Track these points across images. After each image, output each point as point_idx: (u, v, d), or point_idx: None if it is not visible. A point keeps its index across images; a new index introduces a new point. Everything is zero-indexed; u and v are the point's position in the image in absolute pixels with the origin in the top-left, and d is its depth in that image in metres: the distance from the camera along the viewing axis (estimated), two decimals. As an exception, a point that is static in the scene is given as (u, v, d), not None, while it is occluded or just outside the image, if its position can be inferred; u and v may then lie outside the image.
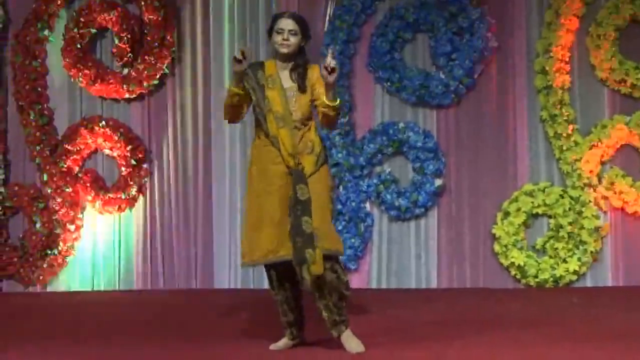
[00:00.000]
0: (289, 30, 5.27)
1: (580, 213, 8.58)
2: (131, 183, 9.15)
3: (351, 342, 5.21)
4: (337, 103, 5.21)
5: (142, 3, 9.13)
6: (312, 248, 5.09)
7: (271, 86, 5.30)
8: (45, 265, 9.17)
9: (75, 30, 9.18)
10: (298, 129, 5.27)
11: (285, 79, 5.34)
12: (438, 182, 8.75)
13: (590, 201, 8.60)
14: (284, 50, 5.29)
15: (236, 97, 5.28)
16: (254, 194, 5.32)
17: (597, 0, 8.73)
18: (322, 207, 5.23)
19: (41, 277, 9.21)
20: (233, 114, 5.39)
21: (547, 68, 8.68)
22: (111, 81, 9.16)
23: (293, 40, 5.28)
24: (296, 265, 5.14)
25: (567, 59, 8.69)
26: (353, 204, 8.77)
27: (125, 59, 9.15)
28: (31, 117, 9.27)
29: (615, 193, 8.58)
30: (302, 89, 5.30)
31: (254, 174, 5.35)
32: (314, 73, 5.32)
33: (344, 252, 5.43)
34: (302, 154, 5.25)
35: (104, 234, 9.29)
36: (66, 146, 9.21)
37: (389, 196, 8.75)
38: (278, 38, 5.29)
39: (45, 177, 9.23)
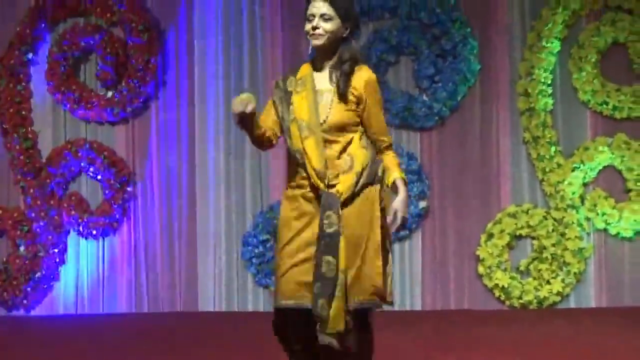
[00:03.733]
0: (321, 15, 3.99)
1: (563, 234, 8.61)
2: (115, 206, 9.14)
3: None
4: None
5: (127, 26, 9.14)
6: (325, 297, 3.85)
7: (299, 90, 4.07)
8: (28, 289, 9.14)
9: (59, 53, 9.19)
10: (331, 140, 4.00)
11: (322, 79, 4.08)
12: (422, 204, 8.78)
13: (573, 222, 8.63)
14: (315, 41, 4.01)
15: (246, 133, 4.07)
16: (280, 224, 4.10)
17: (578, 23, 8.79)
18: (359, 242, 3.95)
19: (25, 301, 9.17)
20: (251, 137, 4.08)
21: (529, 90, 8.72)
22: (95, 104, 9.16)
23: (327, 27, 3.98)
24: (314, 317, 3.89)
25: (549, 82, 8.74)
26: (337, 226, 8.76)
27: (109, 82, 9.16)
28: (15, 141, 9.26)
29: (598, 214, 8.61)
30: (341, 93, 4.01)
31: (282, 201, 4.14)
32: (362, 79, 4.04)
33: (389, 301, 4.04)
34: (337, 175, 3.96)
35: (88, 257, 9.26)
36: (50, 169, 9.20)
37: (373, 218, 8.75)
38: (307, 27, 4.02)
39: (29, 200, 9.20)
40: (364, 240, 3.96)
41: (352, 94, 4.03)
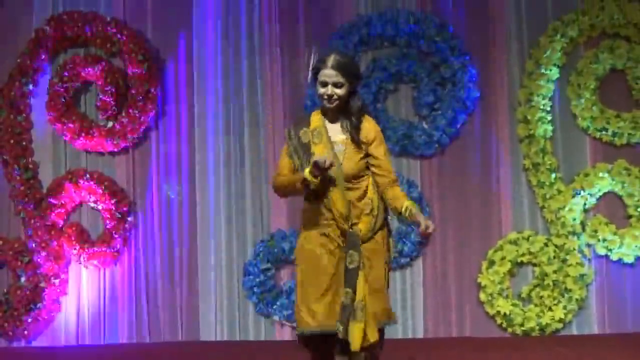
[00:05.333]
0: (333, 84, 4.65)
1: (564, 261, 8.61)
2: (116, 236, 9.13)
3: None
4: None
5: (126, 57, 9.17)
6: (343, 322, 4.61)
7: (317, 141, 4.73)
8: (30, 320, 9.12)
9: (60, 84, 9.21)
10: (351, 188, 4.69)
11: (335, 130, 4.75)
12: (423, 231, 8.75)
13: (574, 249, 8.63)
14: (330, 105, 4.69)
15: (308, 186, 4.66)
16: (304, 260, 4.76)
17: (576, 51, 8.83)
18: (375, 277, 4.72)
19: (26, 332, 9.15)
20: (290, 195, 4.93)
21: (529, 117, 8.74)
22: (95, 134, 9.18)
23: (339, 92, 4.65)
24: (343, 337, 4.65)
25: (549, 108, 8.76)
26: (338, 254, 8.76)
27: (110, 112, 9.17)
28: (16, 172, 9.26)
29: (599, 241, 8.61)
30: (355, 142, 4.71)
31: (303, 240, 4.78)
32: (370, 129, 4.75)
33: (394, 320, 4.97)
34: (360, 215, 4.69)
35: (89, 288, 9.25)
36: (51, 200, 9.20)
37: (374, 246, 8.75)
38: (321, 91, 4.69)
39: (30, 231, 9.20)
40: (377, 272, 4.71)
41: (362, 142, 4.70)
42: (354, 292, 4.63)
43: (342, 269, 4.67)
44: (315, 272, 4.69)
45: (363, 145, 4.70)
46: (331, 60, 4.67)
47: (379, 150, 4.74)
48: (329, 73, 4.64)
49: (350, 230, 4.66)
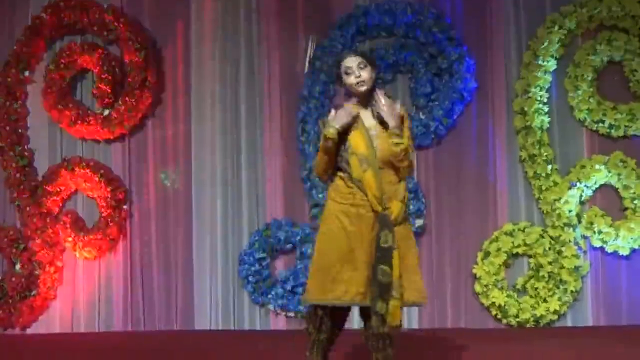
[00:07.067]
0: (358, 65, 4.99)
1: (560, 252, 8.61)
2: (111, 224, 9.13)
3: None
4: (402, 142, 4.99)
5: (123, 44, 9.16)
6: (384, 300, 4.85)
7: (354, 127, 5.00)
8: (24, 307, 9.12)
9: (56, 71, 9.20)
10: (384, 169, 4.95)
11: (367, 117, 5.04)
12: (418, 222, 8.76)
13: (570, 241, 8.62)
14: (362, 88, 5.00)
15: (331, 141, 4.97)
16: (332, 232, 4.98)
17: (574, 42, 8.82)
18: (409, 255, 5.00)
19: (20, 319, 9.15)
20: (328, 163, 5.06)
21: (525, 109, 8.74)
22: (92, 122, 9.16)
23: (365, 74, 4.98)
24: (372, 313, 4.92)
25: (546, 100, 8.76)
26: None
27: (106, 100, 9.16)
28: (11, 159, 9.25)
29: (594, 233, 8.61)
30: (384, 125, 5.00)
31: (333, 212, 4.99)
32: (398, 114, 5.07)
33: (427, 302, 5.29)
34: (391, 199, 4.93)
35: (84, 276, 9.25)
36: (46, 187, 9.19)
37: (369, 236, 8.75)
38: (351, 79, 5.01)
39: (25, 219, 9.19)
40: (408, 255, 4.97)
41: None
42: (391, 270, 4.86)
43: (368, 248, 4.89)
44: (338, 245, 4.93)
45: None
46: (349, 51, 5.20)
47: (404, 124, 5.06)
48: (351, 59, 5.01)
49: (383, 212, 4.88)
